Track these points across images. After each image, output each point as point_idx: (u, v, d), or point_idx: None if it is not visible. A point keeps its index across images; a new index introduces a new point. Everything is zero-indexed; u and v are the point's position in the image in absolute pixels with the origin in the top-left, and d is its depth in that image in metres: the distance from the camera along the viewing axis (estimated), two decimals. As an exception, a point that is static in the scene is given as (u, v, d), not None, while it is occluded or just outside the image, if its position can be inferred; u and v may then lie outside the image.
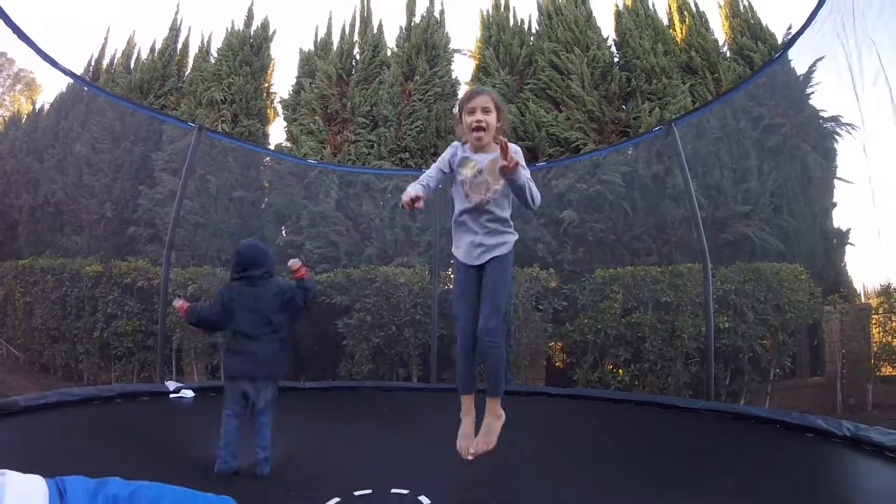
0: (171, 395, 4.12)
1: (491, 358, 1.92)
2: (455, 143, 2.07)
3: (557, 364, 6.27)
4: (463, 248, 1.99)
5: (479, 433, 2.00)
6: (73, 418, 3.15)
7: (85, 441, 2.70)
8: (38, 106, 10.73)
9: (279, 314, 2.30)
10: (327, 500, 1.83)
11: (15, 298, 7.09)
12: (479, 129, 1.90)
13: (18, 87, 17.46)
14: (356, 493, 1.91)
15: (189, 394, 4.19)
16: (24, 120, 10.56)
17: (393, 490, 1.96)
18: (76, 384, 6.59)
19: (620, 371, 5.55)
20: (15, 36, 3.29)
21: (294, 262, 2.56)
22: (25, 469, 0.66)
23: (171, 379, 6.12)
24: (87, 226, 8.23)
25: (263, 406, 2.23)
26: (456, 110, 2.27)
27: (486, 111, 1.92)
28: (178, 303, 2.45)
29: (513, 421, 2.17)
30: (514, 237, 2.04)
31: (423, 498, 1.88)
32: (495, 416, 2.01)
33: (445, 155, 2.04)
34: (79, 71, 10.14)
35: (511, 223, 2.05)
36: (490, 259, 1.94)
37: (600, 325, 5.41)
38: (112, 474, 0.72)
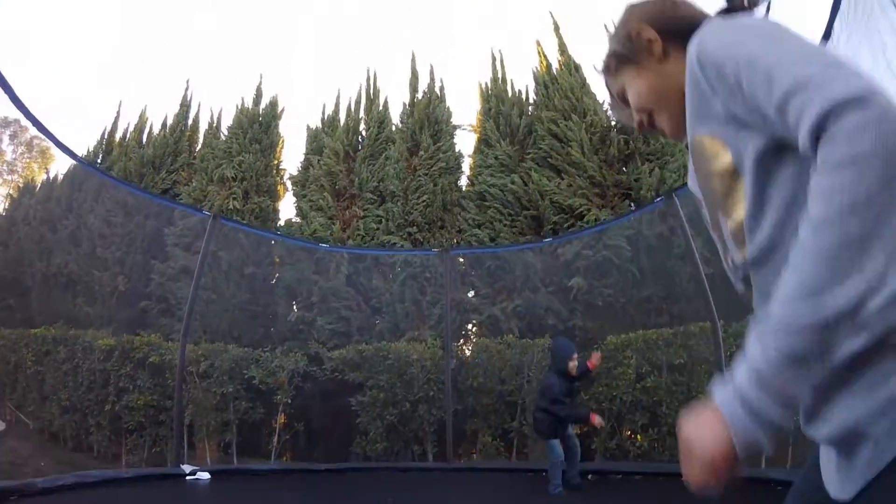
0: (188, 478, 4.12)
1: None
2: None
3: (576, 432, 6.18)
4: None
5: None
6: (90, 501, 3.19)
7: None
8: (51, 175, 11.09)
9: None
10: None
11: (26, 366, 7.12)
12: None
13: (31, 154, 18.05)
14: None
15: (205, 476, 4.19)
16: (37, 188, 10.90)
17: None
18: (86, 455, 6.55)
19: (639, 437, 5.48)
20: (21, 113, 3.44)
21: None
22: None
23: (182, 457, 6.09)
24: (100, 298, 8.34)
25: None
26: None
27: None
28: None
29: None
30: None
31: None
32: None
33: None
34: (92, 143, 10.53)
35: None
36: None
37: (615, 392, 5.38)
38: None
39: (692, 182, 0.77)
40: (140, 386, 6.11)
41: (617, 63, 0.83)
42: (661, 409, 5.20)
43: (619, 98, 0.86)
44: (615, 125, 7.77)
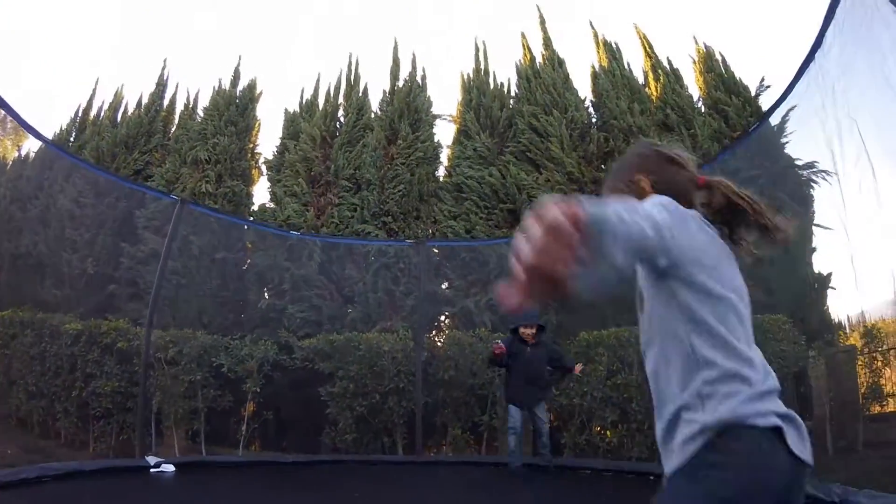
0: (153, 470, 4.06)
1: None
2: None
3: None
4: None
5: None
6: (53, 494, 3.12)
7: None
8: (23, 152, 10.73)
9: None
10: None
11: (-7, 351, 6.90)
12: None
13: (4, 131, 17.44)
14: None
15: (170, 468, 4.13)
16: (9, 166, 10.53)
17: None
18: (54, 442, 6.39)
19: (608, 433, 5.53)
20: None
21: None
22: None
23: (150, 445, 5.99)
24: (68, 280, 8.12)
25: None
26: None
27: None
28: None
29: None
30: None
31: None
32: None
33: None
34: (66, 119, 10.21)
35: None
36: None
37: (586, 388, 5.40)
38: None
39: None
40: (107, 372, 5.97)
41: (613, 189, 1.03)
42: (632, 406, 5.24)
43: None
44: (595, 122, 7.76)
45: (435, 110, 7.94)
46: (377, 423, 5.68)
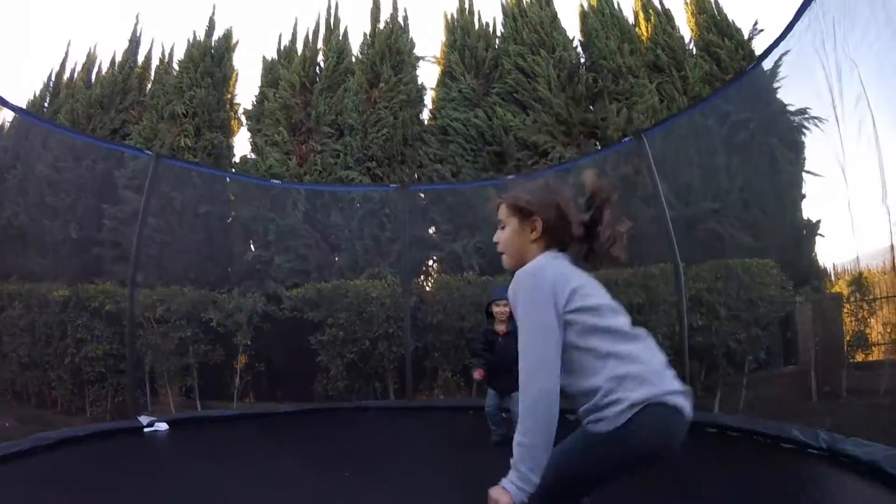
0: (146, 430, 4.04)
1: None
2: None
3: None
4: None
5: None
6: (48, 463, 3.08)
7: (64, 487, 2.63)
8: None
9: None
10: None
11: (-18, 326, 6.82)
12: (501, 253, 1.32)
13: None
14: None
15: (163, 427, 4.11)
16: (-17, 139, 10.24)
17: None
18: (51, 411, 6.39)
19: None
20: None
21: None
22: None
23: (146, 404, 5.99)
24: (52, 248, 7.99)
25: None
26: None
27: (501, 227, 1.31)
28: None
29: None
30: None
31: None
32: None
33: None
34: (39, 86, 9.89)
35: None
36: None
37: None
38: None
39: None
40: (98, 336, 5.90)
41: (514, 208, 1.24)
42: None
43: (497, 225, 1.29)
44: (584, 62, 7.51)
45: (418, 52, 7.67)
46: (368, 370, 5.68)
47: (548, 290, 1.10)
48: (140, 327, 5.82)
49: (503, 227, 1.26)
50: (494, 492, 1.02)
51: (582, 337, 1.09)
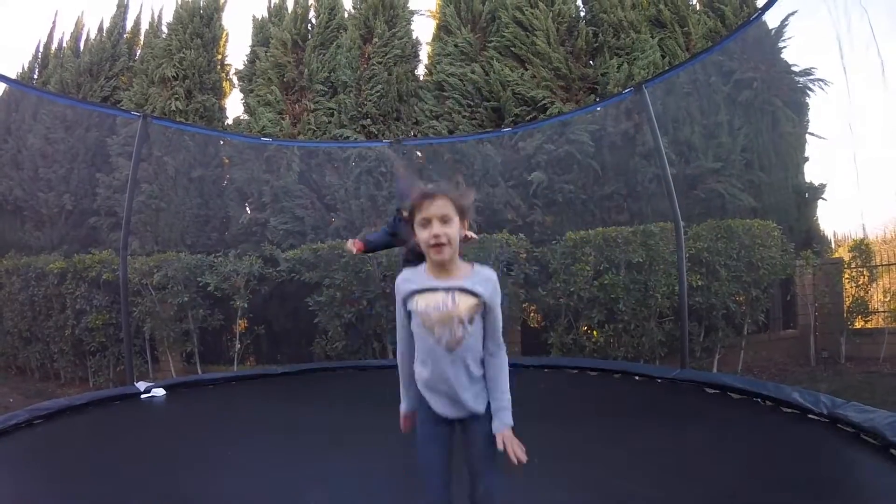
0: (143, 396, 4.03)
1: None
2: (403, 275, 1.49)
3: (533, 326, 6.19)
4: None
5: None
6: (46, 433, 3.07)
7: (63, 456, 2.64)
8: (-12, 99, 10.25)
9: None
10: None
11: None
12: (438, 245, 1.35)
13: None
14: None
15: (160, 392, 4.11)
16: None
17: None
18: (54, 383, 6.42)
19: (595, 332, 5.49)
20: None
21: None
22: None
23: (147, 371, 5.99)
24: (48, 220, 7.93)
25: None
26: (402, 207, 2.25)
27: (445, 221, 1.35)
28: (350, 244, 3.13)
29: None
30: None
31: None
32: None
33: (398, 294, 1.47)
34: (27, 57, 9.71)
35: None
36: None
37: (573, 288, 5.31)
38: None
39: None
40: (97, 305, 5.89)
41: (458, 208, 1.37)
42: (618, 307, 5.17)
43: (438, 217, 1.35)
44: (584, 16, 7.26)
45: (412, 6, 7.41)
46: (366, 329, 5.65)
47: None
48: (138, 295, 5.80)
49: (447, 222, 1.37)
50: (508, 433, 1.37)
51: None
